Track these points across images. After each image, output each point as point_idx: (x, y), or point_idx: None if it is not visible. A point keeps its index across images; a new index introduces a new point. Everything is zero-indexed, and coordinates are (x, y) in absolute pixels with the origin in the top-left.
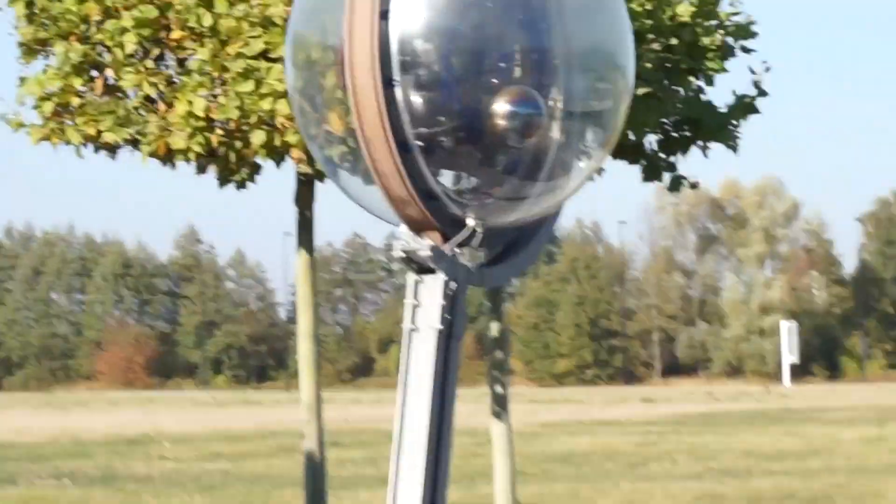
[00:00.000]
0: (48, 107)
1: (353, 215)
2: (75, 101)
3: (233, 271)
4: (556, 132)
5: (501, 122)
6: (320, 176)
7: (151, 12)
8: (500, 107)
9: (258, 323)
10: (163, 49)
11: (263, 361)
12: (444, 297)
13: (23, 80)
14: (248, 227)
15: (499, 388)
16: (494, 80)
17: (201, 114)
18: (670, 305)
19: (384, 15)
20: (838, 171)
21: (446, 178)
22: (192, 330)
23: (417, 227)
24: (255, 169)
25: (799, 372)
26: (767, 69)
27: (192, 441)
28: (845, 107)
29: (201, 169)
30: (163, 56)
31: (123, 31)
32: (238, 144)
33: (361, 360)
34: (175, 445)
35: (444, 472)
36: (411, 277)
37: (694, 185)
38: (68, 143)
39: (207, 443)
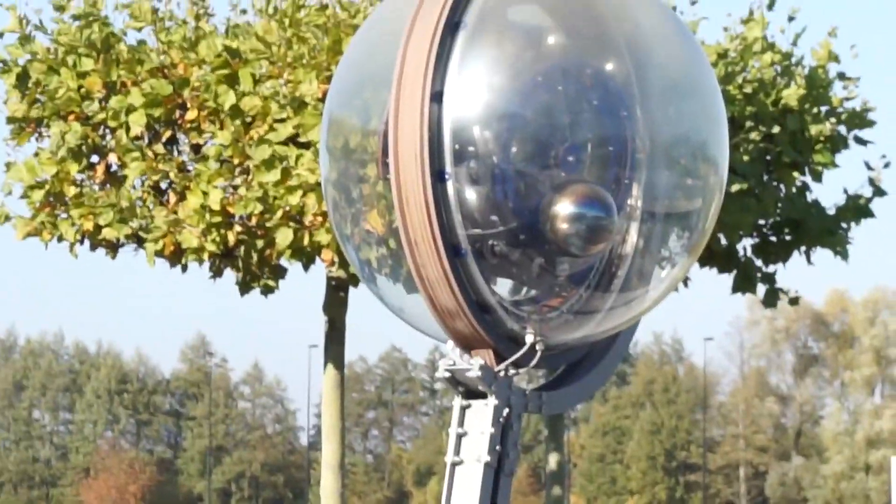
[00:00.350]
0: (39, 196)
1: (392, 327)
2: (71, 190)
3: (247, 389)
4: (634, 235)
5: (564, 226)
6: (354, 281)
7: (164, 88)
8: (564, 208)
9: (275, 449)
10: (175, 131)
11: (280, 494)
12: (495, 426)
13: (9, 165)
14: (268, 337)
15: None
16: (563, 175)
17: (217, 207)
18: (761, 436)
19: (437, 97)
20: None
21: (503, 287)
22: (197, 456)
23: (467, 344)
24: (280, 272)
25: None
26: (887, 164)
27: None
28: None
29: (217, 271)
30: (175, 139)
31: (130, 109)
32: (260, 243)
33: (395, 495)
34: None
35: None
36: (458, 401)
37: (794, 301)
38: (61, 238)
39: None
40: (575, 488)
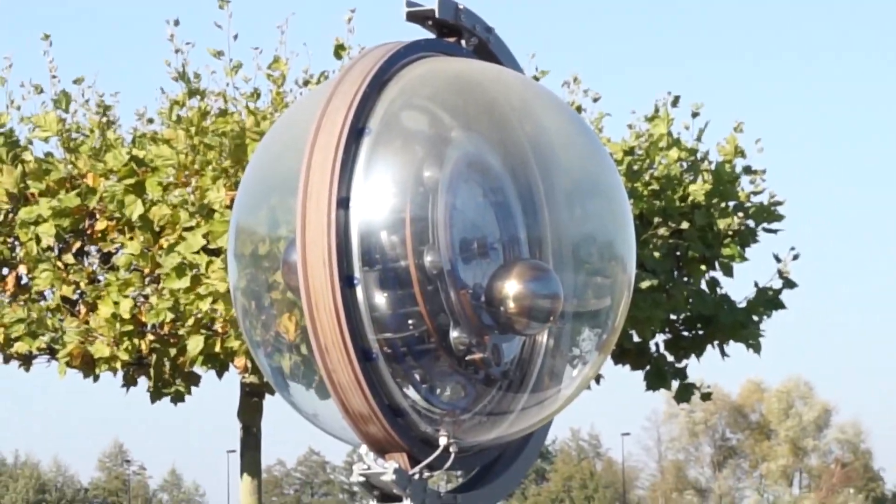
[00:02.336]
0: None
1: (308, 430)
2: None
3: (166, 496)
4: (544, 335)
5: (517, 305)
6: (269, 388)
7: (72, 200)
8: (515, 287)
9: None
10: (85, 242)
11: None
12: None
13: None
14: (185, 443)
15: None
16: (471, 277)
17: (128, 316)
18: None
19: (343, 203)
20: (878, 371)
21: (415, 391)
22: None
23: (381, 448)
24: (193, 380)
25: None
26: (796, 257)
27: None
28: (885, 296)
29: (130, 380)
30: (84, 250)
31: (39, 220)
32: (173, 351)
33: None
34: None
35: None
36: None
37: (706, 396)
38: None
39: None
40: None
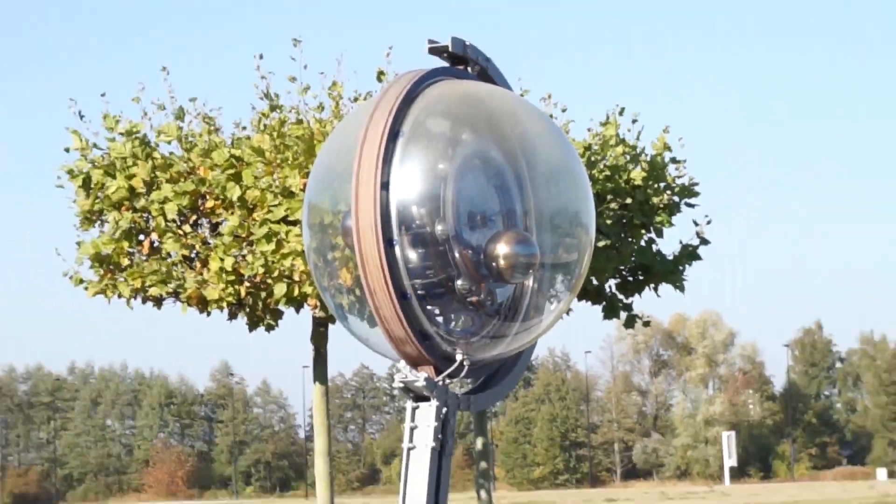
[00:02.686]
0: (102, 266)
1: (361, 351)
2: (125, 261)
3: (259, 399)
4: (530, 280)
5: (506, 262)
6: (332, 320)
7: (188, 186)
8: (504, 248)
9: (281, 442)
10: (199, 216)
11: (285, 474)
12: (437, 420)
13: (79, 244)
14: (273, 361)
15: (484, 494)
16: (482, 235)
17: (231, 269)
18: (629, 420)
19: (385, 185)
20: (770, 305)
21: (438, 321)
22: (225, 448)
23: (414, 362)
24: (278, 315)
25: (737, 473)
26: (709, 222)
27: None
28: (776, 249)
29: (233, 316)
30: (198, 222)
31: (165, 201)
32: (263, 295)
33: (369, 472)
34: None
35: None
36: (410, 404)
37: (646, 324)
38: (120, 296)
39: None
40: (497, 463)
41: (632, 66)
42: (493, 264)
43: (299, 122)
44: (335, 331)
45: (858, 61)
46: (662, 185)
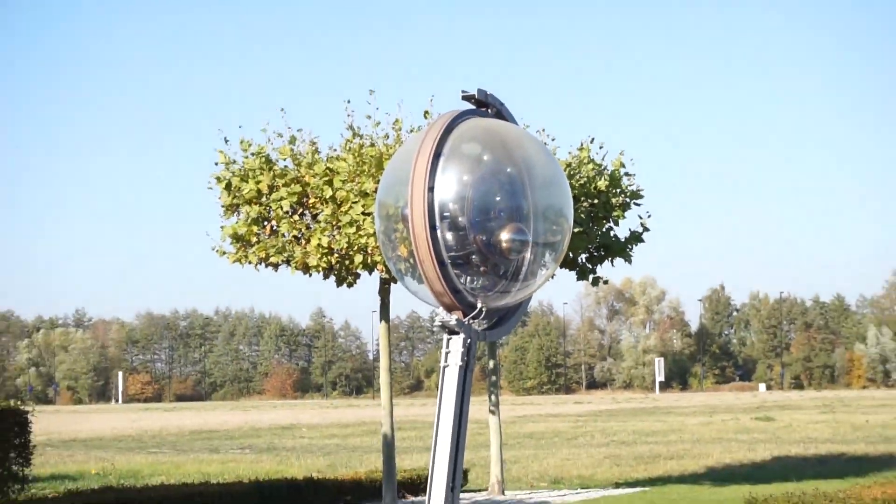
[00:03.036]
0: (238, 242)
1: (411, 301)
2: (254, 239)
3: (342, 332)
4: (528, 254)
5: (501, 244)
6: (393, 279)
7: (297, 189)
8: (505, 236)
9: (356, 361)
10: (304, 209)
11: (359, 383)
12: (464, 347)
13: (223, 228)
14: (352, 307)
15: (493, 397)
16: (493, 226)
17: (325, 245)
18: (591, 349)
19: (431, 189)
20: (689, 272)
21: (465, 280)
22: (319, 365)
23: (448, 308)
24: (357, 276)
25: (664, 386)
26: (649, 216)
27: (319, 428)
28: (695, 235)
29: (326, 276)
30: (303, 213)
31: (281, 198)
32: (346, 263)
33: (415, 382)
34: (309, 430)
35: (462, 444)
36: (445, 336)
37: (605, 282)
38: (250, 263)
39: (328, 428)
40: (502, 377)
41: (602, 106)
42: (498, 247)
43: (372, 145)
44: (395, 287)
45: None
46: (619, 191)
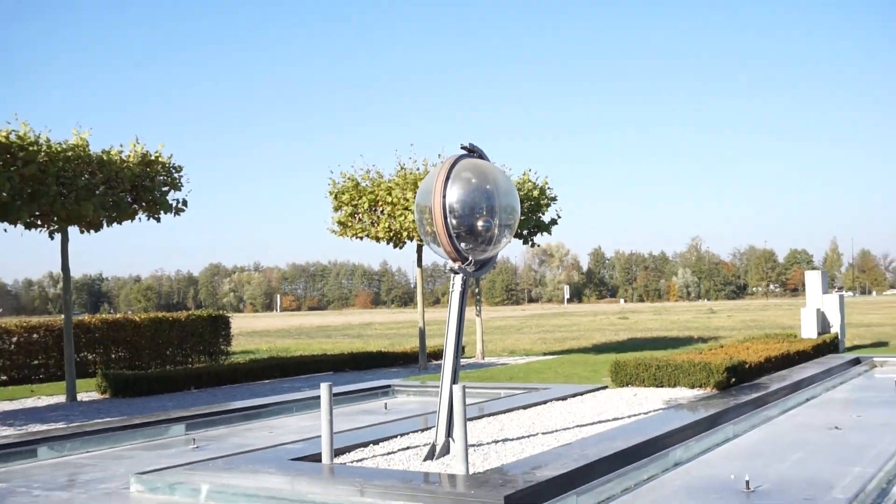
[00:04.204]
0: (341, 226)
1: (433, 256)
2: (349, 223)
3: (396, 273)
4: (496, 231)
5: (480, 226)
6: (422, 244)
7: (372, 197)
8: (480, 223)
9: (403, 288)
10: (376, 209)
11: (406, 300)
12: (462, 281)
13: (334, 218)
14: (402, 260)
15: (478, 307)
16: (476, 216)
17: (387, 226)
18: (530, 281)
19: (444, 196)
20: (583, 238)
21: (464, 244)
22: (384, 291)
23: (454, 260)
24: (404, 244)
25: (569, 302)
26: (560, 211)
27: (384, 324)
28: (584, 217)
29: (388, 243)
30: (375, 210)
31: (364, 202)
32: (399, 236)
33: (436, 298)
34: (379, 326)
35: (461, 332)
36: (452, 275)
37: (536, 245)
38: (346, 237)
39: (389, 325)
40: (483, 296)
41: (536, 142)
42: (477, 227)
43: (411, 173)
44: (425, 249)
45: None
46: (544, 196)
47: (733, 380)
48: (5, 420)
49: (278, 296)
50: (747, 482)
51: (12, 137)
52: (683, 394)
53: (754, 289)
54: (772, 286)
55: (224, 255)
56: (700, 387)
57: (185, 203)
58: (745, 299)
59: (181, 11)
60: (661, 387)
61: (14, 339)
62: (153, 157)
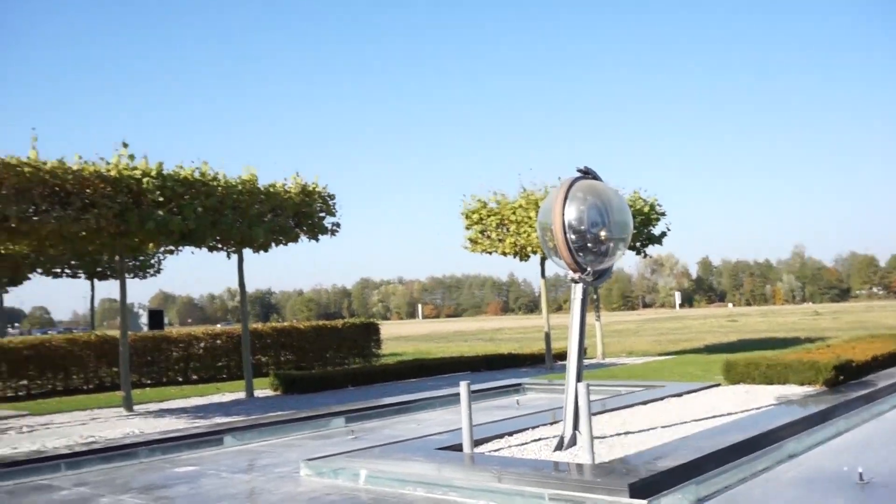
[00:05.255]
0: (473, 243)
1: (554, 267)
2: (480, 240)
3: (522, 283)
4: (611, 244)
5: (596, 240)
6: (545, 257)
7: (498, 217)
8: (596, 238)
9: (529, 297)
10: (503, 225)
11: (531, 307)
12: (582, 290)
13: (466, 237)
14: (526, 271)
15: (597, 313)
16: (593, 231)
17: (514, 241)
18: (643, 288)
19: (562, 215)
20: (692, 249)
21: (582, 257)
22: (512, 299)
23: (574, 270)
24: (529, 256)
25: (680, 307)
26: (670, 224)
27: (514, 329)
28: (692, 230)
29: (514, 257)
30: (502, 227)
31: (491, 222)
32: (524, 250)
33: (558, 305)
34: (509, 330)
35: (583, 335)
36: (572, 284)
37: (648, 256)
38: (477, 251)
39: (517, 329)
40: (601, 302)
41: (646, 159)
42: (592, 244)
43: (534, 194)
44: (547, 262)
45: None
46: (654, 212)
47: (841, 377)
48: (196, 413)
49: (420, 305)
50: (860, 474)
51: (196, 175)
52: (793, 391)
53: (857, 292)
54: (874, 289)
55: (373, 269)
56: (809, 384)
57: (338, 225)
58: (848, 302)
59: (330, 56)
60: (772, 384)
61: (202, 345)
62: (311, 188)
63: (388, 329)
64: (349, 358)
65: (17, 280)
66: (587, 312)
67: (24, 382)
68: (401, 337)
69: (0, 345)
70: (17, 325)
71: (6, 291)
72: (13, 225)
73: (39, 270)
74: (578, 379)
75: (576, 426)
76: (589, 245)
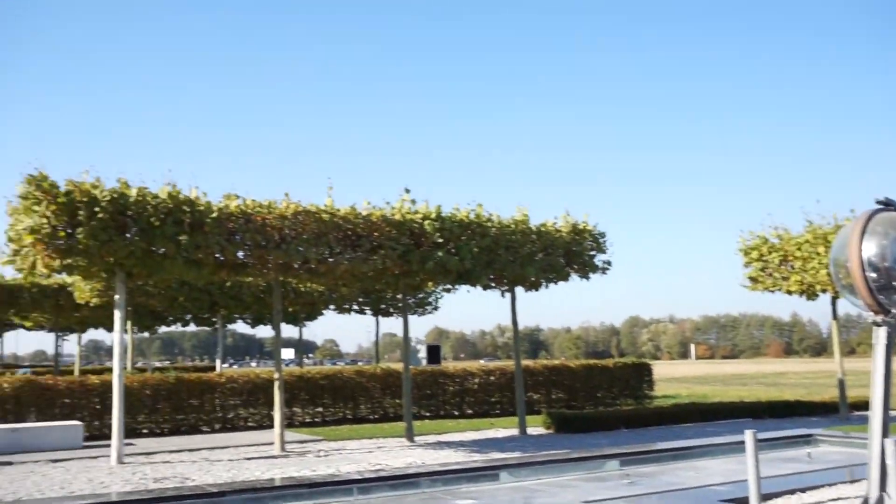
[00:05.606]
0: (753, 282)
1: (847, 307)
2: (759, 276)
3: (808, 323)
4: None
5: None
6: (838, 296)
7: (782, 253)
8: None
9: (815, 338)
10: (786, 261)
11: (819, 350)
12: (885, 333)
13: (745, 273)
14: (814, 310)
15: None
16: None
17: (799, 279)
18: None
19: (860, 250)
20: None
21: (883, 297)
22: (796, 341)
23: (875, 312)
24: (816, 296)
25: None
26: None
27: (799, 374)
28: None
29: (799, 295)
30: (785, 263)
31: (777, 257)
32: (813, 288)
33: (851, 349)
34: (793, 375)
35: (889, 383)
36: (874, 327)
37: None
38: (760, 291)
39: (804, 374)
40: None
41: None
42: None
43: (821, 228)
44: (841, 301)
45: None
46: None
47: None
48: (473, 447)
49: (692, 345)
50: None
51: (472, 216)
52: None
53: None
54: None
55: (642, 307)
56: None
57: (609, 263)
58: None
59: (603, 102)
60: None
61: (476, 381)
62: (581, 227)
63: (659, 369)
64: (620, 398)
65: (312, 315)
66: (893, 357)
67: (320, 409)
68: (673, 378)
69: (301, 374)
70: (311, 355)
71: (304, 325)
72: (313, 266)
73: (332, 307)
74: (885, 434)
75: (882, 487)
76: (894, 283)
